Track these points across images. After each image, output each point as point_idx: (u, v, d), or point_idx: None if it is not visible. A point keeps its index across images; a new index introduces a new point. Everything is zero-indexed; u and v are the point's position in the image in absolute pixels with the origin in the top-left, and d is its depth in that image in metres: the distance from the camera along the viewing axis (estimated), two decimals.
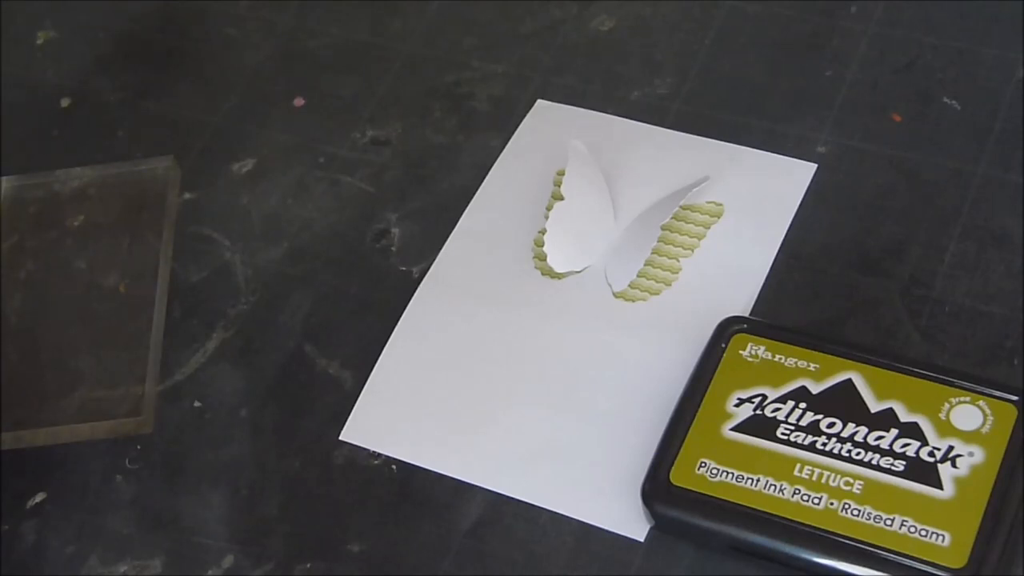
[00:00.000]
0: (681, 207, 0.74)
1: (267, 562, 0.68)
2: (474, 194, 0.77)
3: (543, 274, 0.74)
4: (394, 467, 0.70)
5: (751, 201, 0.75)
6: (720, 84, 0.79)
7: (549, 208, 0.76)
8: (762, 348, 0.68)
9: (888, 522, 0.63)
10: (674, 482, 0.65)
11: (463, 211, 0.77)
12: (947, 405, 0.65)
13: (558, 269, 0.74)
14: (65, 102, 0.84)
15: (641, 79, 0.80)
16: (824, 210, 0.74)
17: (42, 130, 0.81)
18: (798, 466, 0.65)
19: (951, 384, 0.66)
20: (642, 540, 0.66)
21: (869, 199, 0.74)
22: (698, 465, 0.65)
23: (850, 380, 0.66)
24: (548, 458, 0.69)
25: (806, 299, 0.72)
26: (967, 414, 0.65)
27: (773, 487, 0.64)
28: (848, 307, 0.71)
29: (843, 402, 0.66)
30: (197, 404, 0.73)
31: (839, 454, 0.65)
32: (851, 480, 0.64)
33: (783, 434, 0.65)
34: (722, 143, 0.77)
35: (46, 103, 0.84)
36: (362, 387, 0.72)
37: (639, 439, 0.68)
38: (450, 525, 0.68)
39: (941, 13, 0.80)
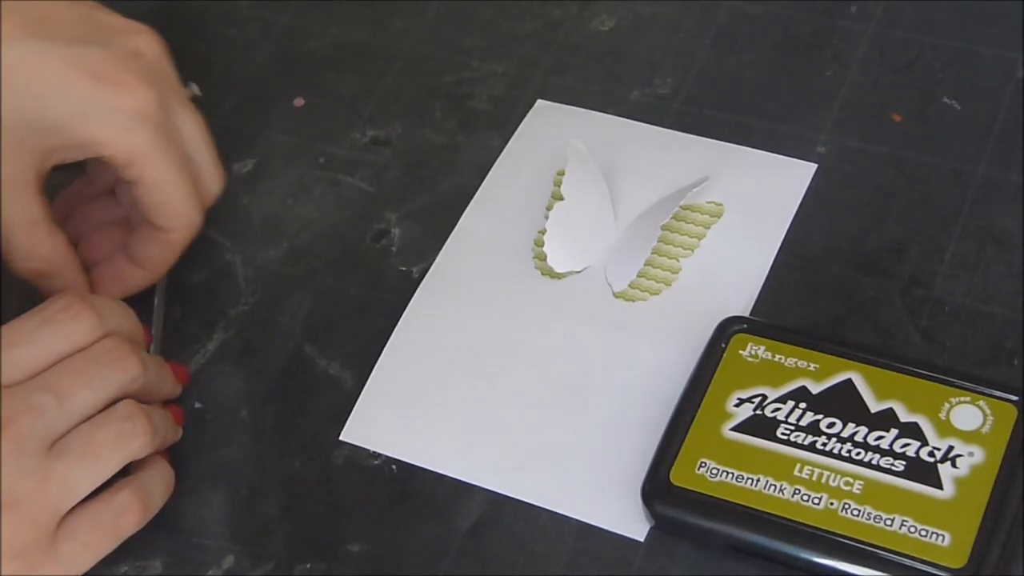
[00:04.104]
0: (681, 207, 0.74)
1: (267, 562, 0.68)
2: (474, 194, 0.78)
3: (543, 274, 0.74)
4: (394, 467, 0.70)
5: (751, 201, 0.75)
6: (720, 84, 0.79)
7: (549, 208, 0.76)
8: (762, 348, 0.68)
9: (888, 522, 0.63)
10: (674, 482, 0.65)
11: (463, 211, 0.77)
12: (947, 405, 0.65)
13: (558, 269, 0.74)
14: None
15: (641, 79, 0.80)
16: (824, 210, 0.74)
17: None
18: (798, 466, 0.65)
19: (951, 384, 0.66)
20: (642, 540, 0.66)
21: (869, 199, 0.74)
22: (698, 465, 0.65)
23: (850, 380, 0.66)
24: (548, 458, 0.69)
25: (806, 299, 0.72)
26: (967, 414, 0.65)
27: (773, 487, 0.64)
28: (848, 307, 0.71)
29: (843, 402, 0.66)
30: (198, 405, 0.73)
31: (839, 454, 0.65)
32: (851, 480, 0.64)
33: (783, 434, 0.65)
34: (722, 143, 0.77)
35: None
36: (362, 387, 0.72)
37: (639, 439, 0.68)
38: (450, 525, 0.68)
39: (941, 13, 0.80)
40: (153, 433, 0.66)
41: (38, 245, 0.71)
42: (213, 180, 0.75)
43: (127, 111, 0.70)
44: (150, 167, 0.71)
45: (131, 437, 0.65)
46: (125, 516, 0.65)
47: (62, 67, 0.69)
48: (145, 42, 0.73)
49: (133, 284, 0.74)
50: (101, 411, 0.65)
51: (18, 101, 0.69)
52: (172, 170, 0.71)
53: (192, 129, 0.73)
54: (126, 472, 0.66)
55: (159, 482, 0.68)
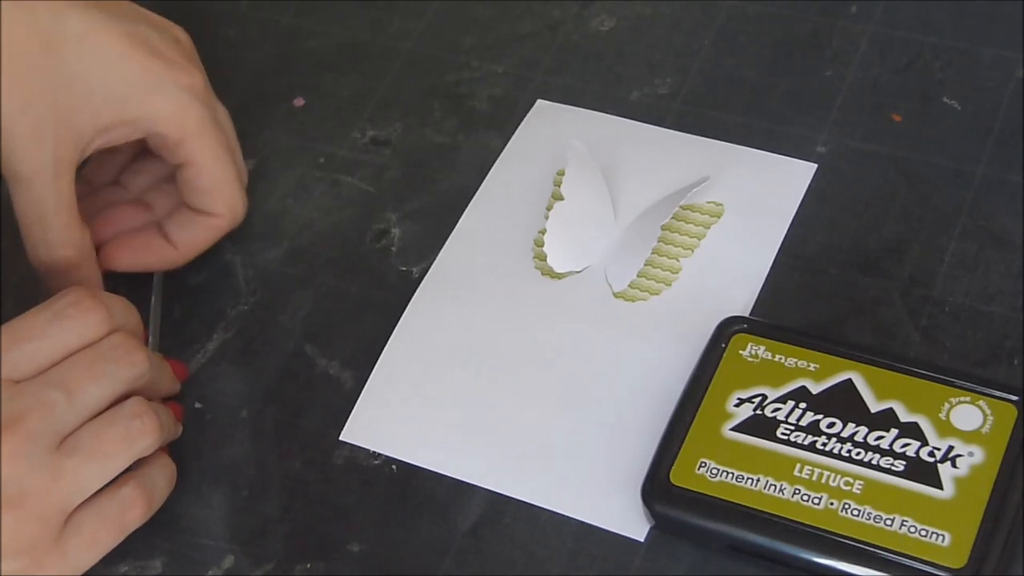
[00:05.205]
0: (681, 207, 0.74)
1: (267, 562, 0.68)
2: (474, 194, 0.78)
3: (543, 274, 0.74)
4: (394, 467, 0.70)
5: (751, 201, 0.75)
6: (720, 84, 0.79)
7: (549, 208, 0.76)
8: (762, 348, 0.68)
9: (888, 522, 0.63)
10: (674, 482, 0.65)
11: (463, 211, 0.77)
12: (947, 405, 0.65)
13: (558, 269, 0.74)
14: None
15: (641, 79, 0.80)
16: (824, 210, 0.74)
17: None
18: (798, 466, 0.65)
19: (951, 384, 0.66)
20: (642, 540, 0.66)
21: (869, 199, 0.74)
22: (698, 465, 0.65)
23: (850, 380, 0.66)
24: (548, 458, 0.69)
25: (806, 299, 0.72)
26: (967, 414, 0.65)
27: (773, 487, 0.64)
28: (848, 307, 0.71)
29: (843, 402, 0.66)
30: (198, 405, 0.73)
31: (839, 454, 0.65)
32: (851, 480, 0.64)
33: (783, 434, 0.65)
34: (722, 143, 0.77)
35: None
36: (362, 387, 0.72)
37: (639, 439, 0.68)
38: (450, 525, 0.68)
39: (941, 13, 0.80)
40: (160, 430, 0.66)
41: (73, 231, 0.71)
42: (244, 171, 0.76)
43: (182, 87, 0.71)
44: (202, 146, 0.72)
45: (139, 435, 0.65)
46: (130, 511, 0.66)
47: (122, 40, 0.70)
48: (181, 34, 0.75)
49: (163, 259, 0.75)
50: (108, 408, 0.66)
51: (78, 71, 0.69)
52: (222, 151, 0.73)
53: (227, 119, 0.75)
54: (129, 467, 0.66)
55: (162, 476, 0.68)
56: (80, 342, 0.66)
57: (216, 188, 0.73)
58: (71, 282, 0.72)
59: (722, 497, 0.64)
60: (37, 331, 0.65)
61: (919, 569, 0.62)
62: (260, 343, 0.74)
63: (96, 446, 0.64)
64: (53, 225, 0.71)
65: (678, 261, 0.74)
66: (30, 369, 0.65)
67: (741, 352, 0.68)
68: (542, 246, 0.75)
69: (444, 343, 0.73)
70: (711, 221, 0.74)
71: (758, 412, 0.66)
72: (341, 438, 0.71)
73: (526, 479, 0.69)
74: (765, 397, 0.67)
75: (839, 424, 0.65)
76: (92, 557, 0.65)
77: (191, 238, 0.74)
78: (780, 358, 0.68)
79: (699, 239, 0.74)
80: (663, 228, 0.74)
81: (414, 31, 0.85)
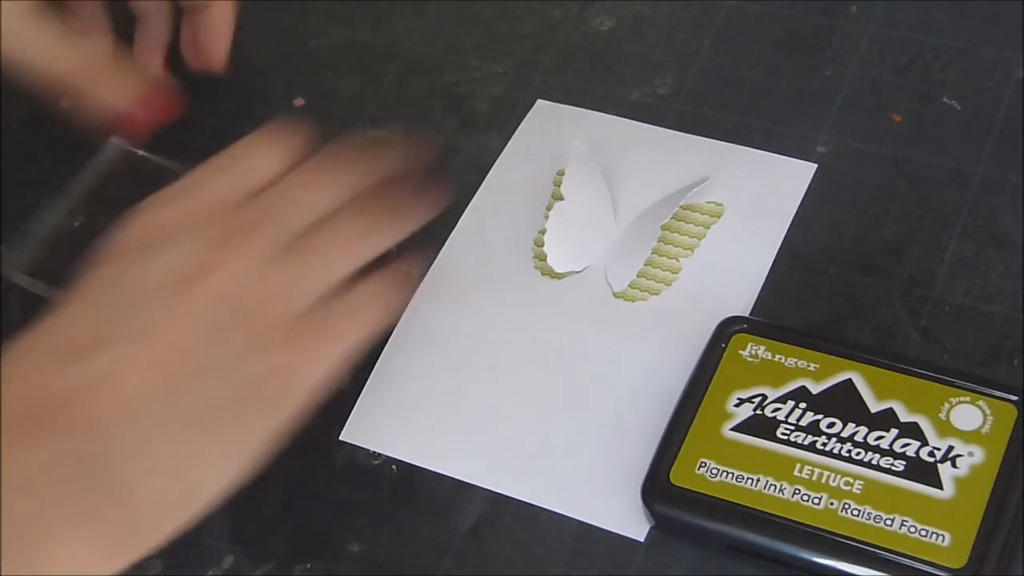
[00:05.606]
0: (681, 207, 0.74)
1: (267, 562, 0.68)
2: (474, 194, 0.78)
3: (543, 274, 0.74)
4: (394, 467, 0.70)
5: (751, 201, 0.75)
6: (720, 84, 0.79)
7: (549, 208, 0.76)
8: (762, 348, 0.68)
9: (888, 522, 0.63)
10: (674, 482, 0.65)
11: (463, 211, 0.77)
12: (947, 405, 0.65)
13: (558, 269, 0.74)
14: (66, 102, 0.84)
15: (641, 79, 0.80)
16: (824, 210, 0.74)
17: (42, 131, 0.81)
18: (798, 466, 0.65)
19: (951, 384, 0.66)
20: (642, 540, 0.66)
21: (869, 199, 0.74)
22: (698, 465, 0.65)
23: (850, 380, 0.66)
24: (548, 458, 0.69)
25: (806, 299, 0.72)
26: (967, 414, 0.65)
27: (773, 487, 0.64)
28: (848, 307, 0.71)
29: (843, 402, 0.66)
30: None
31: (839, 454, 0.65)
32: (851, 480, 0.64)
33: (783, 434, 0.65)
34: (722, 143, 0.77)
35: (46, 104, 0.84)
36: (362, 387, 0.72)
37: (639, 439, 0.68)
38: (450, 525, 0.68)
39: (941, 13, 0.80)
40: (395, 230, 0.68)
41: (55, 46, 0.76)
42: None
43: None
44: None
45: (367, 234, 0.67)
46: (365, 312, 0.66)
47: None
48: None
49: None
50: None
51: None
52: None
53: None
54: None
55: (396, 286, 0.69)
56: (287, 165, 0.68)
57: None
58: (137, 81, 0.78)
59: (722, 497, 0.64)
60: (244, 154, 0.68)
61: (919, 569, 0.62)
62: None
63: (326, 246, 0.65)
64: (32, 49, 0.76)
65: (678, 261, 0.74)
66: (244, 192, 0.67)
67: (741, 352, 0.68)
68: (542, 246, 0.75)
69: (444, 343, 0.73)
70: (711, 221, 0.74)
71: (758, 412, 0.66)
72: (341, 438, 0.71)
73: (526, 479, 0.69)
74: (765, 397, 0.67)
75: (839, 424, 0.65)
76: (332, 353, 0.65)
77: None
78: (780, 358, 0.68)
79: (699, 239, 0.74)
80: (663, 228, 0.74)
81: (414, 31, 0.85)
